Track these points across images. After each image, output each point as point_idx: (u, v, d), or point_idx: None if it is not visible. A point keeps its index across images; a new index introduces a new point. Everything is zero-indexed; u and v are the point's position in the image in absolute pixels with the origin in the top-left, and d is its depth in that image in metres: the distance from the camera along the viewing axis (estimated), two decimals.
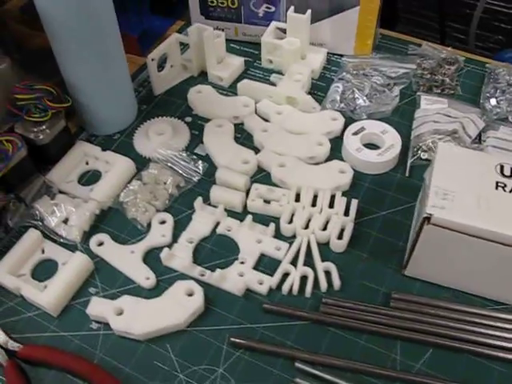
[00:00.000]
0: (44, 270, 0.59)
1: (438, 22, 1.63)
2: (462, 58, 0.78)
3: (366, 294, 0.56)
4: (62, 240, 0.60)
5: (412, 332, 0.53)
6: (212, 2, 0.78)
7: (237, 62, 0.77)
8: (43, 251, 0.60)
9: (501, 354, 0.51)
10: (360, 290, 0.56)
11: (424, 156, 0.66)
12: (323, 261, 0.58)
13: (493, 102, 0.69)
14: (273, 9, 0.77)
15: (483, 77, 0.76)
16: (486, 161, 0.54)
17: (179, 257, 0.58)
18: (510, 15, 1.70)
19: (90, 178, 0.67)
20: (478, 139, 0.67)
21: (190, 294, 0.55)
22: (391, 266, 0.58)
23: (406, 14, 1.63)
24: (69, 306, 0.56)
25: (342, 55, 0.80)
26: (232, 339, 0.52)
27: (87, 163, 0.68)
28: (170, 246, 0.60)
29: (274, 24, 0.77)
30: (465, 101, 0.73)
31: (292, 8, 0.74)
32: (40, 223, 0.61)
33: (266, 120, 0.71)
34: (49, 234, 0.61)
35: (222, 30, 0.80)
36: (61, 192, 0.64)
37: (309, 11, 0.73)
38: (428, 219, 0.50)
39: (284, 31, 0.78)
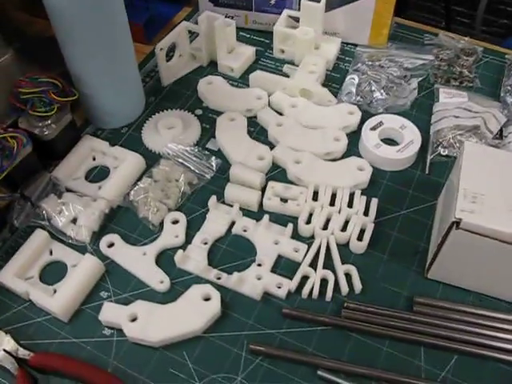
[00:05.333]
0: (52, 273, 0.56)
1: (444, 5, 1.60)
2: (480, 48, 0.75)
3: (388, 298, 0.54)
4: (70, 241, 0.58)
5: (436, 338, 0.51)
6: None
7: (248, 52, 0.74)
8: (51, 253, 0.57)
9: None
10: (381, 294, 0.55)
11: (444, 152, 0.64)
12: (343, 263, 0.56)
13: None
14: None
15: (502, 68, 0.74)
16: None
17: (194, 259, 0.56)
18: None
19: (97, 174, 0.64)
20: (500, 135, 0.65)
21: (207, 299, 0.53)
22: (413, 268, 0.56)
23: None
24: (80, 311, 0.54)
25: (356, 45, 0.77)
26: (251, 346, 0.51)
27: (94, 159, 0.65)
28: (183, 247, 0.57)
29: (286, 12, 0.74)
30: (484, 94, 0.70)
31: None
32: (47, 223, 0.59)
33: (280, 113, 0.68)
34: (56, 235, 0.58)
35: (232, 17, 0.77)
36: (68, 190, 0.62)
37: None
38: (457, 224, 0.48)
39: (297, 20, 0.74)
